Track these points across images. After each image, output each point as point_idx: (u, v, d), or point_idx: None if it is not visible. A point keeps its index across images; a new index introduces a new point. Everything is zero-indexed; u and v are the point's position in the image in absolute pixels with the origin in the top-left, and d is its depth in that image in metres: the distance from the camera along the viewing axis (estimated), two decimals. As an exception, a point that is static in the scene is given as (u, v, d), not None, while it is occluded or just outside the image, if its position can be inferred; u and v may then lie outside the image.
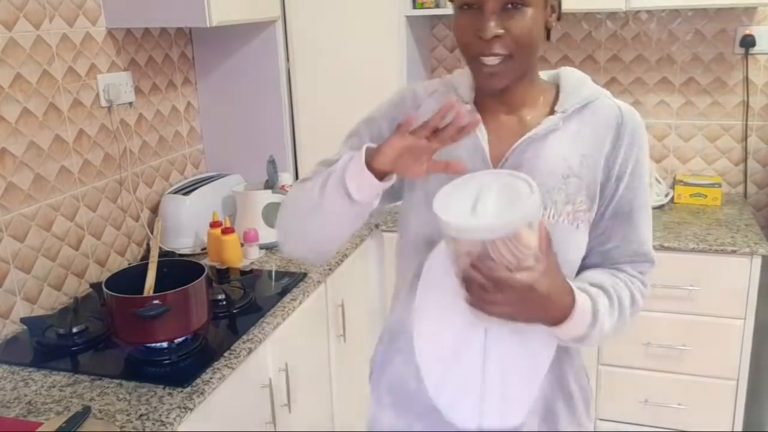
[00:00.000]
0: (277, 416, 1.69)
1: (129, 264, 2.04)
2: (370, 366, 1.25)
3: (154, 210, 2.20)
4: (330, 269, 2.01)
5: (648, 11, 2.47)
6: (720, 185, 2.44)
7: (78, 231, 1.87)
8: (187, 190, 2.19)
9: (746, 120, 2.47)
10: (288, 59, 2.41)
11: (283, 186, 2.18)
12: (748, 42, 2.37)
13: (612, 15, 2.51)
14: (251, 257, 2.08)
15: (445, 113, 0.92)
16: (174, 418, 1.28)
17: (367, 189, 0.97)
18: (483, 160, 1.06)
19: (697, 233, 2.16)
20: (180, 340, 1.50)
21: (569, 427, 1.14)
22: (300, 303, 1.80)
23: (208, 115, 2.47)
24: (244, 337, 1.58)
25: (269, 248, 2.15)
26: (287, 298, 1.79)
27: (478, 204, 0.92)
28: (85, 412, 1.24)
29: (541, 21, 0.99)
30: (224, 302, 1.72)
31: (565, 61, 2.58)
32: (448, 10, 2.40)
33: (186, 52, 2.36)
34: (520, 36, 0.97)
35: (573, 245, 1.06)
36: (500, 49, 0.97)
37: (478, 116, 1.00)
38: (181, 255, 2.10)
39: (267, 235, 2.13)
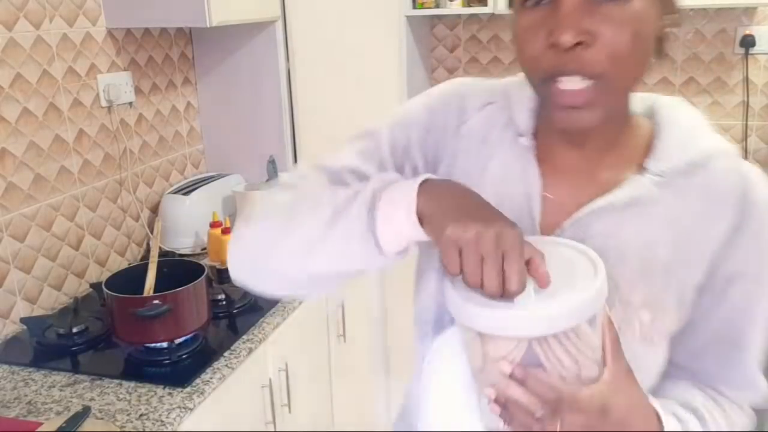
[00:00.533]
0: (277, 416, 1.69)
1: (129, 264, 2.04)
2: None
3: (154, 210, 2.20)
4: (330, 269, 2.01)
5: (648, 11, 2.47)
6: (720, 185, 2.43)
7: (78, 231, 1.87)
8: (187, 190, 2.19)
9: (746, 120, 2.47)
10: (288, 59, 2.41)
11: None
12: (748, 42, 2.37)
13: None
14: (251, 257, 2.07)
15: None
16: (174, 418, 1.28)
17: (405, 239, 0.68)
18: (530, 225, 0.75)
19: (697, 233, 2.15)
20: (180, 340, 1.50)
21: None
22: (300, 303, 1.80)
23: (208, 115, 2.47)
24: (244, 337, 1.58)
25: (269, 248, 2.15)
26: (287, 298, 1.79)
27: None
28: (85, 412, 1.24)
29: (653, 22, 0.66)
30: (224, 302, 1.72)
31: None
32: (448, 10, 2.40)
33: (186, 52, 2.36)
34: (620, 43, 0.63)
35: (643, 367, 0.73)
36: (587, 65, 0.64)
37: (540, 256, 0.62)
38: (181, 255, 2.10)
39: (267, 235, 2.12)
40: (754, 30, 2.38)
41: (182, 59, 2.33)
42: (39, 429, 1.21)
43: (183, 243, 2.15)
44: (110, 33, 1.96)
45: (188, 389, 1.36)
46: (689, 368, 0.80)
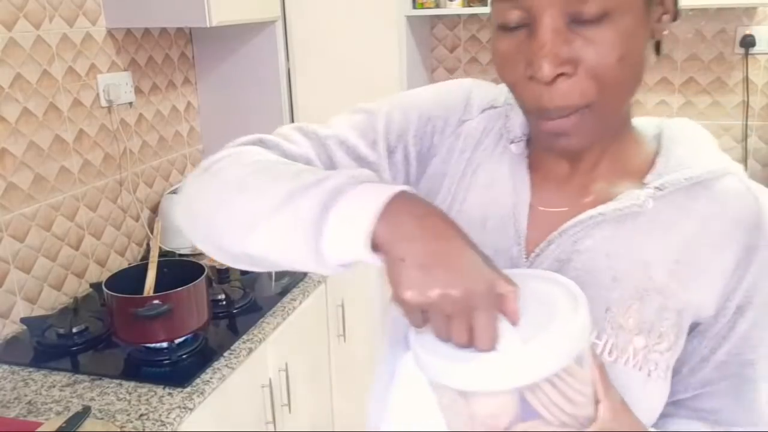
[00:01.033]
0: (277, 416, 1.69)
1: (129, 264, 2.04)
2: None
3: (154, 210, 2.20)
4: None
5: (648, 11, 2.47)
6: (720, 185, 2.43)
7: (78, 231, 1.87)
8: (187, 190, 2.19)
9: (746, 120, 2.47)
10: (288, 59, 2.41)
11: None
12: (748, 42, 2.37)
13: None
14: (251, 257, 2.07)
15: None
16: (174, 418, 1.28)
17: (352, 257, 0.57)
18: (514, 236, 0.71)
19: (697, 233, 2.15)
20: (180, 340, 1.50)
21: None
22: (300, 303, 1.80)
23: (208, 115, 2.47)
24: (244, 337, 1.58)
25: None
26: (287, 298, 1.79)
27: None
28: (85, 412, 1.24)
29: (642, 35, 0.61)
30: (224, 302, 1.72)
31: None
32: (449, 10, 2.40)
33: (186, 52, 2.36)
34: (606, 68, 0.58)
35: (641, 401, 0.66)
36: (571, 98, 0.59)
37: (512, 292, 0.54)
38: (181, 255, 2.10)
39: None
40: (754, 30, 2.38)
41: (182, 59, 2.33)
42: (39, 429, 1.21)
43: (183, 243, 2.15)
44: (110, 33, 1.96)
45: (188, 389, 1.36)
46: (694, 407, 0.72)
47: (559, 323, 0.54)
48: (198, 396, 1.35)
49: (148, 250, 2.13)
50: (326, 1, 2.33)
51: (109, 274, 1.58)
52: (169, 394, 1.35)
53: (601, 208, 0.67)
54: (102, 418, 1.27)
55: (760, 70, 2.43)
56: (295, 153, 0.74)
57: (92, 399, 1.34)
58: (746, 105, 2.45)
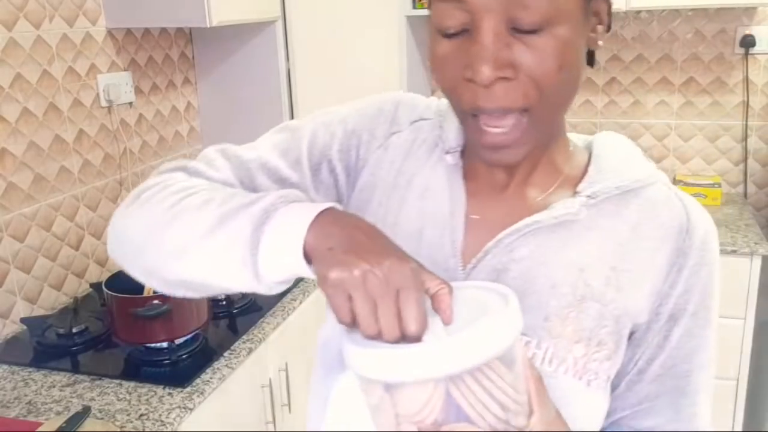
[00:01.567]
0: (277, 416, 1.69)
1: (129, 264, 2.03)
2: None
3: (154, 210, 2.19)
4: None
5: (648, 11, 2.47)
6: (720, 185, 2.44)
7: (78, 231, 1.87)
8: (187, 190, 2.19)
9: (746, 120, 2.47)
10: (288, 59, 2.41)
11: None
12: (748, 42, 2.37)
13: (612, 15, 2.51)
14: (251, 257, 2.07)
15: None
16: (174, 418, 1.28)
17: (288, 273, 0.60)
18: (450, 247, 0.70)
19: (697, 233, 2.15)
20: (180, 340, 1.50)
21: None
22: (300, 303, 1.80)
23: (208, 115, 2.47)
24: (244, 337, 1.58)
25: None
26: (287, 298, 1.79)
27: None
28: (85, 412, 1.24)
29: (579, 44, 0.62)
30: (224, 302, 1.72)
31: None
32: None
33: (186, 52, 2.36)
34: (546, 75, 0.59)
35: (580, 413, 0.66)
36: (509, 101, 0.60)
37: (444, 289, 0.55)
38: (181, 255, 2.10)
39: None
40: (754, 30, 2.38)
41: (182, 59, 2.33)
42: (39, 429, 1.21)
43: (183, 243, 2.15)
44: (110, 33, 1.96)
45: (188, 389, 1.36)
46: (633, 425, 0.71)
47: (486, 319, 0.53)
48: (198, 396, 1.35)
49: (148, 250, 2.13)
50: (326, 1, 2.33)
51: (109, 274, 1.57)
52: (169, 394, 1.35)
53: (536, 217, 0.67)
54: (102, 418, 1.27)
55: (760, 70, 2.43)
56: (217, 179, 0.75)
57: (92, 399, 1.34)
58: (746, 105, 2.45)
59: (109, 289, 1.45)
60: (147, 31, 2.13)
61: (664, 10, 2.45)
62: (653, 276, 0.67)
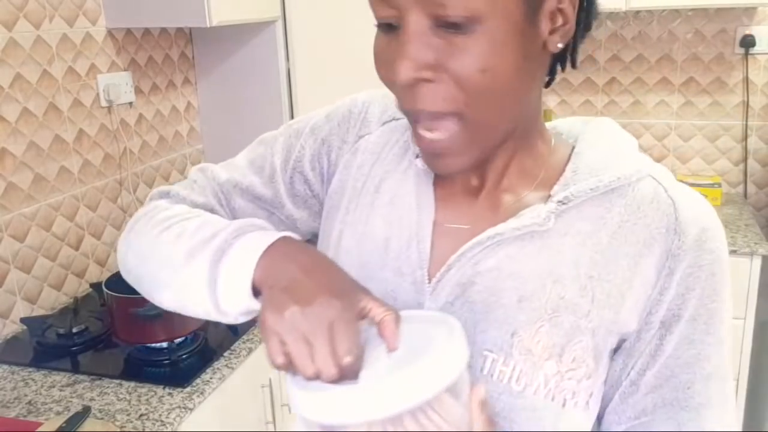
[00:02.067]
0: (277, 416, 1.69)
1: (129, 264, 2.03)
2: None
3: (154, 210, 2.19)
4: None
5: (648, 11, 2.47)
6: (720, 185, 2.44)
7: (78, 231, 1.87)
8: (187, 190, 2.19)
9: (746, 120, 2.47)
10: (288, 59, 2.41)
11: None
12: (748, 42, 2.37)
13: (612, 15, 2.51)
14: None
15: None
16: (174, 418, 1.28)
17: (245, 307, 0.61)
18: (417, 257, 0.67)
19: (697, 233, 2.15)
20: (180, 340, 1.50)
21: None
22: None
23: (208, 115, 2.46)
24: (244, 337, 1.58)
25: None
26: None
27: (365, 367, 0.54)
28: (85, 412, 1.24)
29: (519, 47, 0.55)
30: (224, 302, 1.72)
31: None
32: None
33: (186, 52, 2.36)
34: (469, 79, 0.54)
35: None
36: (433, 104, 0.56)
37: (389, 316, 0.55)
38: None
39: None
40: (754, 30, 2.38)
41: (182, 59, 2.33)
42: (39, 429, 1.21)
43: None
44: (110, 33, 1.96)
45: (188, 389, 1.36)
46: None
47: (427, 357, 0.51)
48: (198, 396, 1.35)
49: (148, 250, 2.13)
50: (326, 1, 2.33)
51: (109, 274, 1.58)
52: (169, 394, 1.35)
53: (499, 228, 0.62)
54: (102, 418, 1.27)
55: (760, 70, 2.43)
56: (199, 203, 0.78)
57: (92, 399, 1.34)
58: (746, 105, 2.45)
59: (109, 289, 1.45)
60: (147, 31, 2.13)
61: (664, 10, 2.45)
62: (639, 283, 0.61)
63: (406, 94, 0.57)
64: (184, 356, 1.48)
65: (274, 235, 0.61)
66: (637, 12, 2.48)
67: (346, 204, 0.73)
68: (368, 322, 0.56)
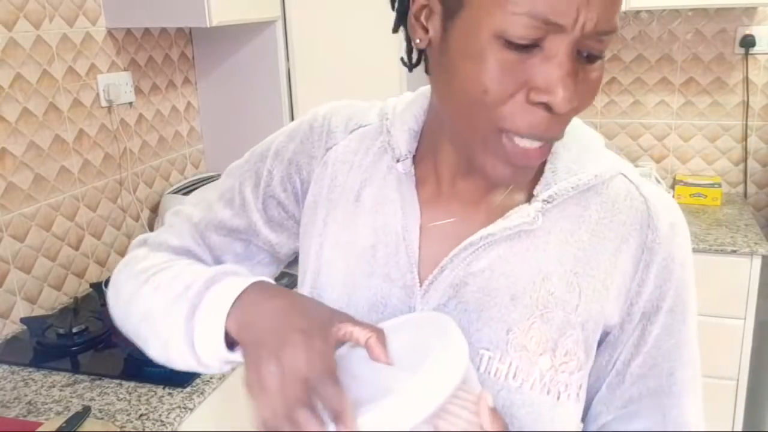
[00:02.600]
0: (277, 416, 1.69)
1: (129, 264, 2.03)
2: None
3: (154, 210, 2.20)
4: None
5: (648, 11, 2.47)
6: (720, 185, 2.44)
7: (78, 231, 1.87)
8: (187, 190, 2.19)
9: (746, 120, 2.47)
10: (288, 59, 2.41)
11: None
12: (748, 42, 2.37)
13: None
14: (251, 257, 2.07)
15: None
16: (174, 418, 1.28)
17: (224, 360, 0.63)
18: (406, 262, 0.67)
19: (697, 233, 2.15)
20: (180, 340, 1.50)
21: None
22: (300, 303, 1.80)
23: (208, 115, 2.46)
24: (244, 337, 1.58)
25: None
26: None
27: (353, 384, 0.54)
28: (85, 412, 1.24)
29: None
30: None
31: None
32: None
33: (186, 52, 2.36)
34: (586, 106, 0.58)
35: (550, 428, 0.64)
36: (560, 132, 0.58)
37: (372, 338, 0.56)
38: (181, 255, 2.10)
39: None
40: (754, 30, 2.38)
41: (182, 59, 2.33)
42: (39, 429, 1.21)
43: (183, 243, 2.15)
44: (110, 33, 1.96)
45: (188, 389, 1.36)
46: (620, 428, 0.68)
47: (431, 358, 0.52)
48: (198, 396, 1.35)
49: (148, 250, 2.13)
50: (326, 1, 2.33)
51: (109, 274, 1.57)
52: (169, 394, 1.35)
53: (491, 228, 0.63)
54: (102, 418, 1.27)
55: (760, 70, 2.43)
56: (176, 246, 0.79)
57: (92, 399, 1.34)
58: (746, 105, 2.45)
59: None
60: (147, 31, 2.13)
61: (664, 10, 2.45)
62: (619, 277, 0.64)
63: (545, 120, 0.55)
64: (184, 356, 1.48)
65: (243, 283, 0.62)
66: (637, 12, 2.48)
67: (323, 217, 0.73)
68: (352, 345, 0.57)
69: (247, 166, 0.78)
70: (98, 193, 1.94)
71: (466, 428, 0.53)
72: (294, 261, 0.81)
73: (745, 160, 2.50)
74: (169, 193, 2.18)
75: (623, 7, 2.19)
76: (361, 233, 0.69)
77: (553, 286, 0.63)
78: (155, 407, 1.30)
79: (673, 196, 2.44)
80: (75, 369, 1.47)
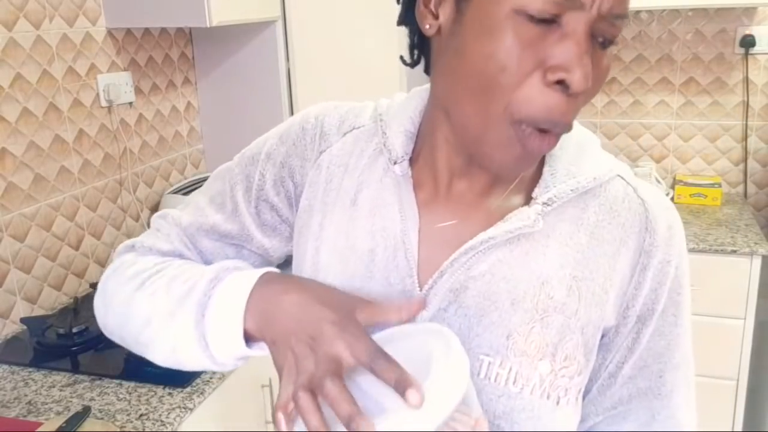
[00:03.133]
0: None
1: (129, 264, 2.03)
2: None
3: (154, 210, 2.19)
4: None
5: (648, 11, 2.47)
6: (720, 185, 2.44)
7: (78, 231, 1.87)
8: (187, 190, 2.19)
9: (746, 120, 2.47)
10: (288, 59, 2.41)
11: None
12: (748, 42, 2.37)
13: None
14: (251, 257, 2.07)
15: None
16: (174, 418, 1.28)
17: (241, 354, 0.63)
18: (405, 266, 0.66)
19: (697, 233, 2.15)
20: (180, 340, 1.50)
21: None
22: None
23: (208, 115, 2.46)
24: (244, 337, 1.58)
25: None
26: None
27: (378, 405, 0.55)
28: (85, 412, 1.24)
29: None
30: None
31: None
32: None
33: (186, 52, 2.36)
34: (595, 93, 0.58)
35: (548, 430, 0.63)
36: (573, 117, 0.58)
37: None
38: (181, 255, 2.10)
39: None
40: (754, 30, 2.38)
41: (182, 59, 2.33)
42: (39, 429, 1.21)
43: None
44: (110, 33, 1.96)
45: (188, 389, 1.36)
46: (609, 429, 0.68)
47: (433, 374, 0.51)
48: (198, 396, 1.35)
49: (148, 250, 2.13)
50: (326, 1, 2.33)
51: (109, 274, 1.57)
52: (169, 394, 1.35)
53: (491, 232, 0.62)
54: (102, 418, 1.27)
55: (760, 70, 2.43)
56: (165, 250, 0.78)
57: (92, 399, 1.34)
58: (746, 105, 2.45)
59: (109, 289, 1.45)
60: (147, 31, 2.13)
61: (664, 10, 2.45)
62: (617, 280, 0.64)
63: (562, 101, 0.54)
64: (184, 356, 1.48)
65: (250, 279, 0.62)
66: (637, 12, 2.48)
67: (319, 221, 0.71)
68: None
69: (238, 169, 0.77)
70: (98, 193, 1.94)
71: None
72: (285, 263, 0.80)
73: (745, 160, 2.50)
74: (169, 193, 2.18)
75: (623, 7, 2.19)
76: (360, 237, 0.68)
77: (552, 290, 0.63)
78: (155, 407, 1.30)
79: (673, 196, 2.44)
80: (75, 369, 1.47)
